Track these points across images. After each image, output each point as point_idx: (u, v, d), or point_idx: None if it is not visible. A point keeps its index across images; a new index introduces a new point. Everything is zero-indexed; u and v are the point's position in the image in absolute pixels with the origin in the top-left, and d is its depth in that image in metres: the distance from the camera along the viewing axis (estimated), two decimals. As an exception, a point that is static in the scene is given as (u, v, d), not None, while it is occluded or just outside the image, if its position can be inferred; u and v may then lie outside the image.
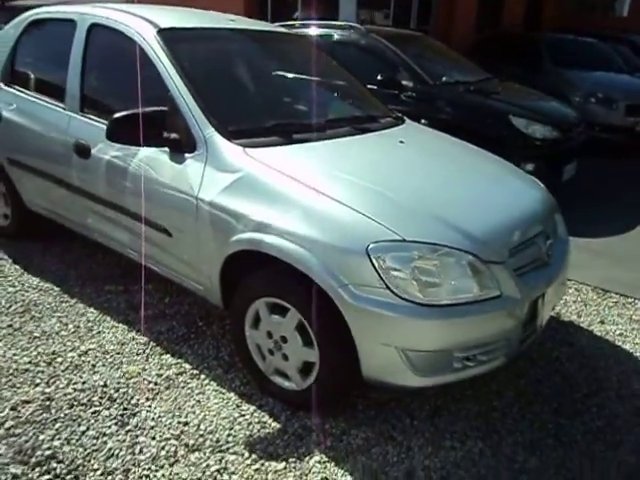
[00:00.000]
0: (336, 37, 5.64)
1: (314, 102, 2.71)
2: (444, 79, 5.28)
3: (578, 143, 5.08)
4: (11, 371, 2.38)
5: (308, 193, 1.98)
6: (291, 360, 2.12)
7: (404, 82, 5.08)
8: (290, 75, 2.91)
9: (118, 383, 2.32)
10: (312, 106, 2.69)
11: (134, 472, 1.90)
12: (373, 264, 1.83)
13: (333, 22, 6.14)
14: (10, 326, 2.72)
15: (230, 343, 2.63)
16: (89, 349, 2.56)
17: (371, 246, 1.83)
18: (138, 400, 2.23)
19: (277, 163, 2.13)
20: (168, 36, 2.53)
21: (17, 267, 3.34)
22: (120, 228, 2.72)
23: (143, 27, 2.57)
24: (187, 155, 2.29)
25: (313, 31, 5.73)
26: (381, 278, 1.83)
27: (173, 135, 2.31)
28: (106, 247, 2.98)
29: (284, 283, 2.05)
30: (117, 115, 2.22)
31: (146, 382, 2.34)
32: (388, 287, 1.83)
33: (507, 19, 12.24)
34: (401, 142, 2.55)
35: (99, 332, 2.70)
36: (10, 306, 2.90)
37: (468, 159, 2.70)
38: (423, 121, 4.25)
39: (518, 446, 2.11)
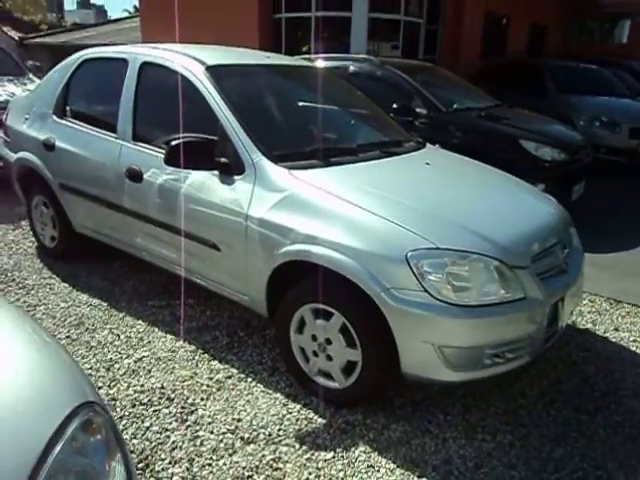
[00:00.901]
0: (352, 69, 5.98)
1: (345, 129, 2.99)
2: (455, 106, 5.59)
3: (585, 164, 5.34)
4: (75, 376, 2.59)
5: (350, 208, 2.23)
6: (335, 360, 2.34)
7: (418, 109, 5.39)
8: (322, 105, 3.20)
9: (174, 385, 2.54)
10: (344, 132, 2.97)
11: (198, 461, 2.10)
12: (412, 269, 2.06)
13: (348, 55, 6.51)
14: (68, 337, 2.95)
15: (271, 350, 2.84)
16: (142, 356, 2.78)
17: (410, 253, 2.07)
18: (194, 400, 2.44)
19: (320, 183, 2.39)
20: (215, 72, 2.82)
21: (66, 285, 3.58)
22: (168, 246, 2.97)
23: (193, 65, 2.87)
24: (236, 177, 2.55)
25: (329, 63, 6.06)
26: (419, 282, 2.06)
27: (223, 159, 2.57)
28: (146, 266, 3.22)
29: (329, 290, 2.28)
30: (174, 142, 2.49)
31: (199, 384, 2.55)
32: (425, 290, 2.05)
33: (510, 47, 12.70)
34: (427, 164, 2.81)
35: (149, 341, 2.93)
36: (65, 319, 3.14)
37: (488, 178, 2.95)
38: (437, 146, 4.53)
39: (544, 438, 2.29)
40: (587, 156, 5.44)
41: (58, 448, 1.03)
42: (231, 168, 2.57)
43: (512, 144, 4.95)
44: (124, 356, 2.78)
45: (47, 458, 1.00)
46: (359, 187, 2.41)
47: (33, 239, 4.21)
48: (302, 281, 2.40)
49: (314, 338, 2.39)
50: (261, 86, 3.08)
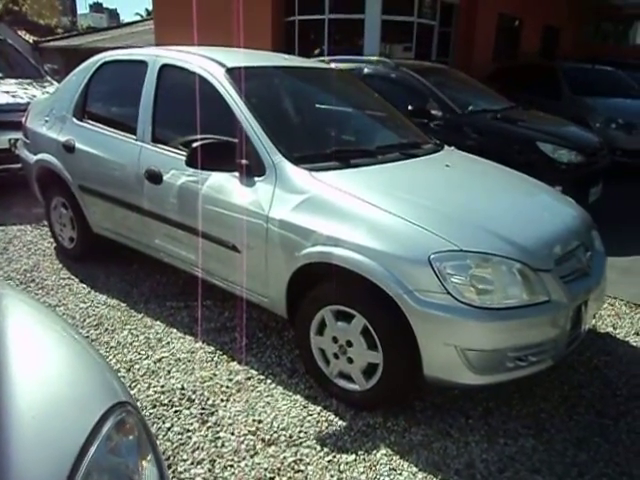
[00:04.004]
0: (366, 71, 5.98)
1: (364, 130, 2.99)
2: (471, 108, 5.57)
3: (602, 167, 5.30)
4: (96, 376, 2.61)
5: (372, 210, 2.23)
6: (356, 362, 2.33)
7: (433, 112, 5.37)
8: (341, 106, 3.21)
9: (194, 386, 2.55)
10: (363, 134, 2.97)
11: (219, 462, 2.11)
12: (435, 272, 2.05)
13: (363, 57, 6.51)
14: (88, 337, 2.97)
15: (290, 352, 2.84)
16: (162, 357, 2.79)
17: (432, 256, 2.06)
18: (214, 401, 2.45)
19: (341, 184, 2.39)
20: (235, 74, 2.83)
21: (84, 286, 3.61)
22: (187, 247, 2.98)
23: (213, 67, 2.88)
24: (257, 179, 2.56)
25: (343, 65, 6.06)
26: (442, 284, 2.05)
27: (244, 161, 2.58)
28: (163, 267, 3.24)
29: (351, 292, 2.28)
30: (196, 144, 2.51)
31: (219, 385, 2.56)
32: (449, 292, 2.04)
33: (523, 49, 12.64)
34: (447, 165, 2.80)
35: (168, 342, 2.94)
36: (84, 320, 3.16)
37: (508, 180, 2.94)
38: (452, 148, 4.52)
39: (567, 443, 2.27)
40: (604, 158, 5.39)
41: (94, 448, 1.03)
42: (252, 170, 2.57)
43: (529, 146, 4.92)
44: (143, 357, 2.80)
45: (84, 458, 1.00)
46: (380, 189, 2.41)
47: (51, 240, 4.25)
48: (323, 283, 2.40)
49: (335, 340, 2.38)
50: (280, 88, 3.09)
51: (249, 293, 2.77)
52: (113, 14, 76.26)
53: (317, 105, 3.22)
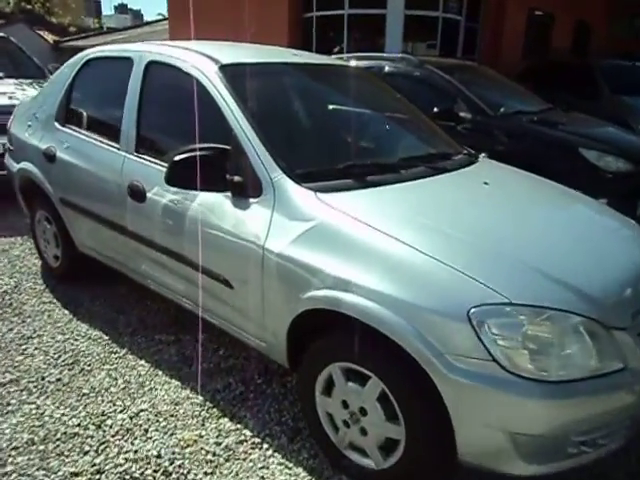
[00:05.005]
0: (387, 69, 5.48)
1: (385, 140, 2.50)
2: (503, 110, 5.02)
3: (653, 176, 4.71)
4: (59, 435, 2.18)
5: (393, 245, 1.74)
6: (370, 435, 1.85)
7: (462, 114, 4.85)
8: (358, 111, 2.72)
9: (173, 453, 2.09)
10: (383, 144, 2.48)
11: None
12: (475, 331, 1.56)
13: (383, 54, 6.01)
14: (59, 380, 2.55)
15: (293, 405, 2.38)
16: (141, 410, 2.34)
17: (473, 310, 1.57)
18: (196, 475, 1.99)
19: (354, 210, 1.90)
20: (230, 72, 2.37)
21: (66, 312, 3.19)
22: (176, 276, 2.54)
23: (204, 63, 2.43)
24: (252, 200, 2.09)
25: (363, 63, 5.57)
26: (485, 347, 1.55)
27: (236, 178, 2.12)
28: (156, 293, 2.81)
29: (365, 347, 1.79)
30: (177, 157, 2.05)
31: (203, 452, 2.10)
32: (493, 358, 1.55)
33: (554, 46, 11.96)
34: (485, 183, 2.29)
35: (151, 389, 2.50)
36: (59, 356, 2.74)
37: (561, 201, 2.42)
38: (483, 154, 4.00)
39: None
40: (655, 166, 4.80)
41: None
42: (246, 189, 2.11)
43: (570, 153, 4.36)
44: (119, 409, 2.35)
45: None
46: (403, 216, 1.91)
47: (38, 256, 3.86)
48: (332, 332, 1.92)
49: (345, 405, 1.91)
50: (285, 89, 2.62)
51: (245, 335, 2.31)
52: (137, 15, 76.79)
53: (329, 109, 2.72)
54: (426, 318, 1.61)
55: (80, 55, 3.25)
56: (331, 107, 2.73)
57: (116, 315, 3.18)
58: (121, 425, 2.25)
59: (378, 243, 1.76)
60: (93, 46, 3.56)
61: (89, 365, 2.68)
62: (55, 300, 3.34)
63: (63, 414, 2.31)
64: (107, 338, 2.93)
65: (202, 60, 2.46)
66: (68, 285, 3.49)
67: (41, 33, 20.75)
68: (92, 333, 2.97)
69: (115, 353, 2.79)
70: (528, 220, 2.06)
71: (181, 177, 2.07)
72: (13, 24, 18.32)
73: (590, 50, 12.83)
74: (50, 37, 21.01)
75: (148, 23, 24.65)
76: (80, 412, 2.33)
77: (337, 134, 2.55)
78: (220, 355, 2.76)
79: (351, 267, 1.76)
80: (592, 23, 13.42)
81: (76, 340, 2.90)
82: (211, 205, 2.22)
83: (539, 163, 4.25)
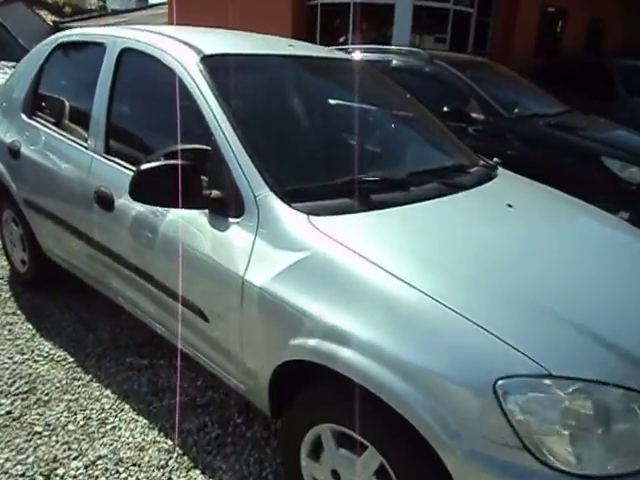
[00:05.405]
0: (395, 63, 5.11)
1: (392, 149, 2.16)
2: (517, 111, 4.66)
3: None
4: (-2, 489, 1.86)
5: (405, 292, 1.40)
6: (366, 516, 1.52)
7: (474, 114, 4.50)
8: (361, 114, 2.36)
9: (130, 518, 1.77)
10: (390, 155, 2.14)
11: None
12: (502, 409, 1.22)
13: (390, 47, 5.64)
14: (9, 413, 2.22)
15: (276, 453, 2.05)
16: (99, 456, 2.01)
17: (500, 382, 1.23)
18: None
19: (355, 240, 1.56)
20: (213, 65, 2.02)
21: (29, 326, 2.86)
22: (147, 298, 2.20)
23: (183, 53, 2.07)
24: (232, 220, 1.75)
25: (368, 56, 5.20)
26: (514, 430, 1.22)
27: (215, 193, 1.77)
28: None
29: (362, 411, 1.46)
30: (143, 166, 1.71)
31: (167, 517, 1.78)
32: (524, 445, 1.21)
33: (567, 43, 11.55)
34: (509, 206, 1.94)
35: (114, 428, 2.17)
36: (14, 382, 2.41)
37: (597, 231, 2.07)
38: (495, 159, 3.66)
39: None
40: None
41: None
42: (225, 206, 1.76)
43: (592, 162, 4.02)
44: (74, 454, 2.02)
45: None
46: (417, 252, 1.56)
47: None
48: (322, 384, 1.59)
49: (336, 475, 1.58)
50: (278, 87, 2.26)
51: (221, 373, 1.98)
52: (142, -2, 75.85)
53: (327, 112, 2.37)
54: (441, 388, 1.28)
55: (52, 38, 2.89)
56: (330, 109, 2.37)
57: (85, 331, 2.84)
58: (74, 477, 1.92)
59: (385, 287, 1.42)
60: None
61: (47, 394, 2.35)
62: (19, 312, 3.00)
63: (8, 459, 1.98)
64: (72, 360, 2.59)
65: (182, 49, 2.10)
66: (35, 293, 3.16)
67: (40, 13, 20.24)
68: (55, 353, 2.64)
69: (79, 380, 2.46)
70: (564, 258, 1.70)
71: (148, 191, 1.72)
72: (11, 3, 17.86)
73: (604, 49, 12.41)
74: (50, 18, 20.49)
75: (152, 6, 24.09)
76: (28, 457, 2.00)
77: (336, 142, 2.18)
78: (197, 387, 2.43)
79: (350, 314, 1.42)
80: (607, 21, 12.98)
81: (36, 362, 2.57)
82: (185, 222, 1.88)
83: (555, 171, 3.91)
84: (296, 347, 1.52)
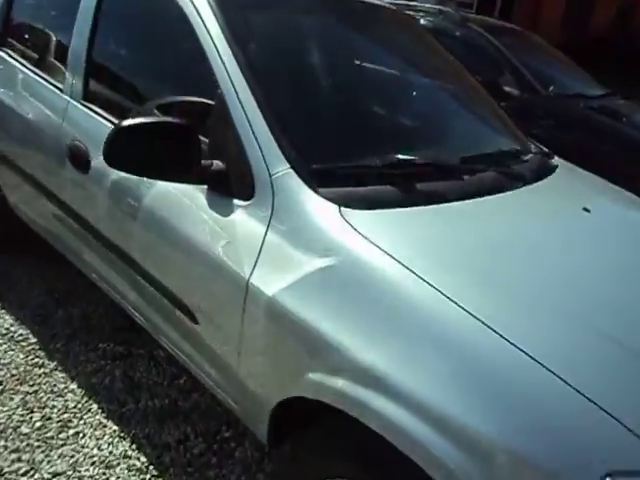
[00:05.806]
0: (422, 22, 4.59)
1: (439, 124, 1.73)
2: (552, 89, 4.20)
3: None
4: None
5: (480, 336, 1.00)
6: None
7: (507, 88, 4.04)
8: (407, 79, 1.91)
9: None
10: (439, 133, 1.71)
11: None
12: (608, 516, 0.86)
13: (417, 3, 5.11)
14: (-50, 406, 1.85)
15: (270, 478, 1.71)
16: (55, 473, 1.65)
17: (609, 477, 0.86)
18: None
19: (405, 249, 1.15)
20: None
21: (-11, 296, 2.47)
22: (125, 281, 1.81)
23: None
24: (237, 203, 1.34)
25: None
26: None
27: (217, 164, 1.36)
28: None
29: (389, 470, 1.09)
30: (124, 123, 1.28)
31: None
32: None
33: (595, 22, 10.93)
34: (585, 209, 1.54)
35: (77, 434, 1.81)
36: (-39, 365, 2.04)
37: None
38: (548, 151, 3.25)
39: None
40: None
41: None
42: (229, 182, 1.35)
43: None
44: (24, 467, 1.66)
45: None
46: (493, 274, 1.14)
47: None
48: (339, 429, 1.22)
49: None
50: (308, 32, 1.80)
51: (210, 385, 1.61)
52: None
53: (366, 71, 1.89)
54: (520, 473, 0.91)
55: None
56: (370, 69, 1.90)
57: (55, 307, 2.45)
58: (19, 500, 1.57)
59: (452, 324, 1.02)
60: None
61: (1, 383, 1.98)
62: (-21, 275, 2.60)
63: (-61, 469, 1.63)
64: (34, 342, 2.21)
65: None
66: (2, 253, 2.75)
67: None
68: (16, 331, 2.26)
69: (40, 367, 2.08)
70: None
71: (128, 156, 1.30)
72: None
73: (633, 30, 11.78)
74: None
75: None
76: (-33, 467, 1.64)
77: (375, 109, 1.74)
78: (180, 386, 2.07)
79: (392, 352, 1.04)
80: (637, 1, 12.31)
81: (-8, 340, 2.19)
82: (176, 196, 1.47)
83: (596, 162, 3.50)
84: (315, 384, 1.14)
